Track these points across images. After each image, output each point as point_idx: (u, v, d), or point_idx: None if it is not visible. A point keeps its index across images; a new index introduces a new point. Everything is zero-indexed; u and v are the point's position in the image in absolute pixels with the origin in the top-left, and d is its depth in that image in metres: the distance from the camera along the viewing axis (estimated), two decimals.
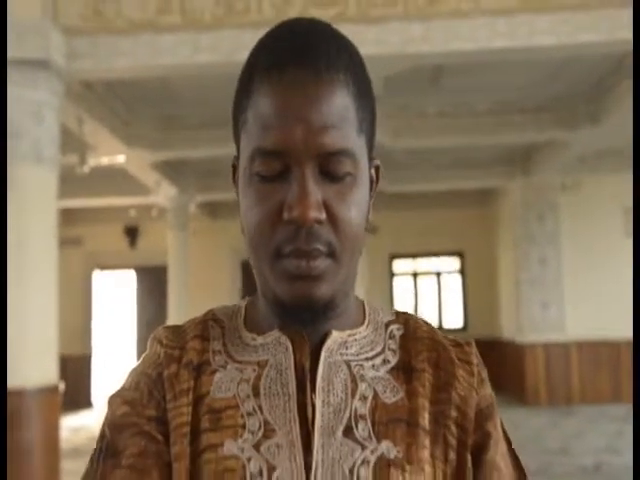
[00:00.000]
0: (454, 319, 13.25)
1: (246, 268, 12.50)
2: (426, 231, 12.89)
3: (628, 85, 7.11)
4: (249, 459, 0.74)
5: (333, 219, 0.75)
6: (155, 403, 0.79)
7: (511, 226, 11.66)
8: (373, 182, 0.84)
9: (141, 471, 0.75)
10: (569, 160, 9.99)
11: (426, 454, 0.77)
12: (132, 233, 13.22)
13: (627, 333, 10.59)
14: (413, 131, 8.46)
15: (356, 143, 0.77)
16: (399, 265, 13.41)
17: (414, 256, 13.37)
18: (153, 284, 13.02)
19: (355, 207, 0.76)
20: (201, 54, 5.70)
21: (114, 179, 10.46)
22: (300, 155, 0.74)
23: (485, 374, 0.85)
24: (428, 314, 12.90)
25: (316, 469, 0.74)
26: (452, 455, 0.79)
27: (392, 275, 13.37)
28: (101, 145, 8.08)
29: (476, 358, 0.85)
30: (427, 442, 0.77)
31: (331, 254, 0.75)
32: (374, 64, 5.92)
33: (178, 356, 0.81)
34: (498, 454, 0.81)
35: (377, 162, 0.85)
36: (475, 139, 8.82)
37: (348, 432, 0.76)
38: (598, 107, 8.03)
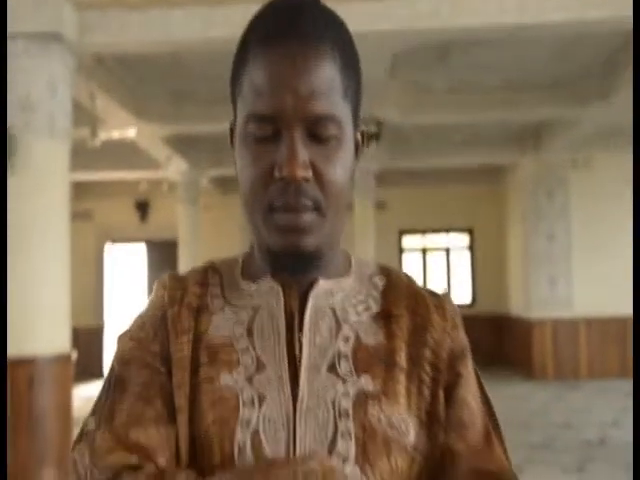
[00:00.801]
0: (463, 295, 13.31)
1: None
2: (435, 207, 12.92)
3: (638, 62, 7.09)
4: (242, 389, 0.83)
5: (319, 177, 0.83)
6: (159, 340, 0.88)
7: (521, 203, 11.68)
8: (359, 146, 0.91)
9: (146, 399, 0.84)
10: (579, 137, 9.97)
11: (401, 389, 0.86)
12: (143, 207, 13.31)
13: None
14: (422, 108, 8.46)
15: (341, 109, 0.84)
16: (408, 241, 13.46)
17: (423, 232, 13.42)
18: (163, 258, 13.14)
19: (339, 167, 0.85)
20: (213, 29, 5.74)
21: (125, 153, 10.52)
22: (289, 119, 0.81)
23: (459, 320, 0.94)
24: (437, 290, 12.94)
25: (302, 399, 0.83)
26: (426, 391, 0.87)
27: (401, 251, 13.43)
28: (112, 119, 8.14)
29: (450, 306, 0.94)
30: (403, 379, 0.86)
31: (317, 209, 0.84)
32: (383, 40, 5.95)
33: (180, 299, 0.90)
34: (468, 392, 0.89)
35: (363, 128, 0.92)
36: (485, 116, 8.82)
37: (331, 368, 0.85)
38: (608, 84, 8.01)
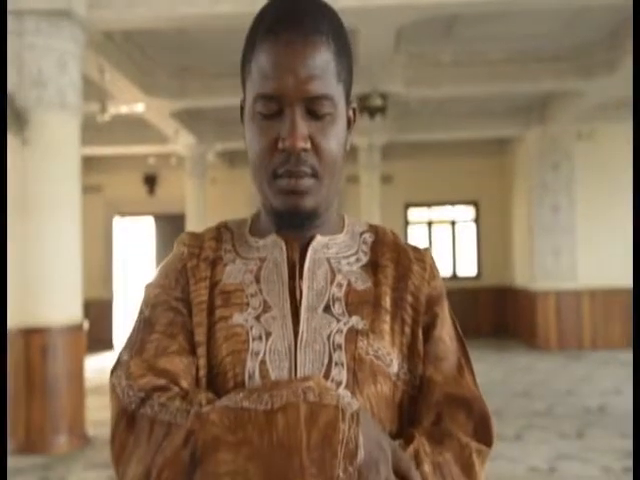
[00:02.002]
0: (468, 267, 13.42)
1: None
2: (441, 180, 13.00)
3: None
4: (251, 327, 1.00)
5: (316, 148, 0.98)
6: (180, 287, 1.04)
7: (526, 175, 11.74)
8: (351, 120, 1.07)
9: (171, 335, 1.01)
10: (584, 109, 10.00)
11: (386, 327, 1.02)
12: (151, 181, 13.43)
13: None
14: (428, 80, 8.51)
15: (335, 89, 0.99)
16: (414, 213, 13.55)
17: (429, 205, 13.51)
18: (171, 231, 13.27)
19: (334, 139, 1.00)
20: (219, 5, 5.81)
21: (134, 128, 10.63)
22: (291, 99, 0.97)
23: (437, 272, 1.10)
24: (442, 262, 13.02)
25: (302, 335, 0.99)
26: (407, 330, 1.04)
27: (407, 223, 13.53)
28: (121, 94, 8.23)
29: (430, 259, 1.10)
30: (387, 318, 1.02)
31: (314, 175, 0.99)
32: (388, 14, 6.01)
33: (198, 253, 1.07)
34: (444, 331, 1.06)
35: (354, 105, 1.08)
36: (490, 88, 8.85)
37: (327, 309, 1.01)
38: (614, 56, 8.03)
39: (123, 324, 14.74)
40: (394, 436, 0.97)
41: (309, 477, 0.83)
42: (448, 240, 13.56)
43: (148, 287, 1.08)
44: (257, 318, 1.00)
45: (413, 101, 9.81)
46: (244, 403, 0.87)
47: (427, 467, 0.93)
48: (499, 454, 5.20)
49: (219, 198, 12.67)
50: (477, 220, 13.47)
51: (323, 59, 0.97)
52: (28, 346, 5.57)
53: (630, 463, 5.10)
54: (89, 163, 11.93)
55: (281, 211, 1.01)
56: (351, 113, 1.07)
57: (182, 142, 11.00)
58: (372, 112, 8.29)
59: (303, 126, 0.97)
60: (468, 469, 0.95)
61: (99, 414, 7.05)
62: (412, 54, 8.22)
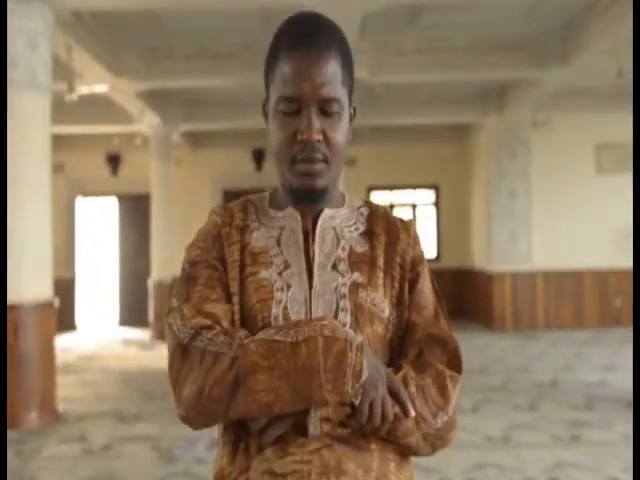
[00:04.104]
0: (428, 249, 13.73)
1: (227, 197, 12.85)
2: (403, 164, 13.28)
3: (599, 25, 7.40)
4: (275, 281, 1.26)
5: (327, 140, 1.26)
6: (217, 249, 1.30)
7: (484, 161, 12.06)
8: (352, 117, 1.35)
9: (211, 287, 1.26)
10: (541, 98, 10.32)
11: (380, 282, 1.30)
12: (114, 161, 13.39)
13: (591, 264, 11.19)
14: (391, 67, 8.72)
15: (342, 93, 1.27)
16: (376, 196, 13.79)
17: (391, 188, 13.78)
18: (135, 211, 13.30)
19: (340, 133, 1.27)
20: None
21: (98, 107, 10.62)
22: (308, 100, 1.23)
23: (419, 239, 1.38)
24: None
25: (315, 287, 1.26)
26: (396, 284, 1.32)
27: None
28: (87, 73, 8.26)
29: (413, 228, 1.39)
30: (381, 275, 1.30)
31: (325, 160, 1.26)
32: (354, 1, 6.18)
33: (229, 222, 1.33)
34: (424, 285, 1.35)
35: (354, 105, 1.36)
36: (451, 75, 9.08)
37: (334, 267, 1.29)
38: (569, 46, 8.31)
39: (85, 305, 14.73)
40: (386, 366, 1.23)
41: (326, 392, 1.11)
42: None
43: (189, 249, 1.33)
44: (279, 274, 1.26)
45: (377, 87, 10.01)
46: (275, 337, 1.14)
47: (413, 388, 1.21)
48: (458, 425, 5.47)
49: (183, 179, 12.74)
50: (437, 204, 13.79)
51: (333, 69, 1.24)
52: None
53: (578, 432, 5.44)
54: (52, 142, 11.86)
55: (298, 189, 1.27)
56: (352, 110, 1.35)
57: (147, 122, 11.05)
58: None
59: (317, 122, 1.23)
60: (443, 390, 1.26)
61: (68, 391, 7.19)
62: (376, 41, 8.41)
